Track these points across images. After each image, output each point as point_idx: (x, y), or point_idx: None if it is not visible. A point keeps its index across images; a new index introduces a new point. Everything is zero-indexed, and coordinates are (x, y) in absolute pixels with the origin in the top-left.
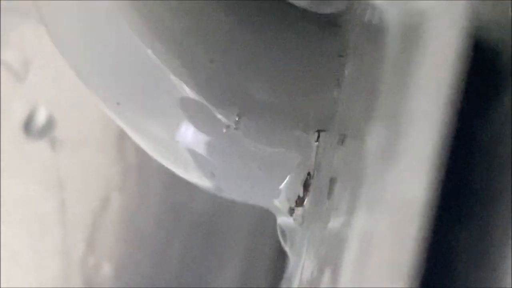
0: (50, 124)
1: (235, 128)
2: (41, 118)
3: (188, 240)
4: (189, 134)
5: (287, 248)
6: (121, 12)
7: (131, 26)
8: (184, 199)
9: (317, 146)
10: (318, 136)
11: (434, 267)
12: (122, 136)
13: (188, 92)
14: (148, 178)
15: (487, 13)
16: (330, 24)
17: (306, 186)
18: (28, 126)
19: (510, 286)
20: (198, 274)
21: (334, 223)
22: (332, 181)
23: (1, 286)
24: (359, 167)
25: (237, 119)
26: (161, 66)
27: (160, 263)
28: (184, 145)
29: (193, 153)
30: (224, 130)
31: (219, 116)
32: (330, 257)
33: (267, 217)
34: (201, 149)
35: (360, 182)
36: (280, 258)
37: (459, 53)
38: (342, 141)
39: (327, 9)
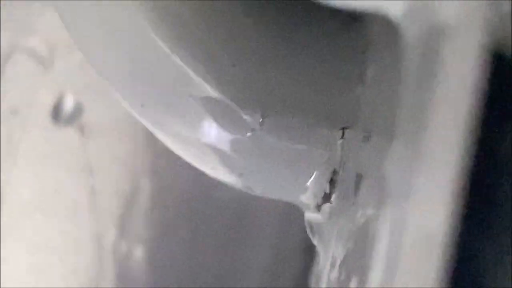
0: (78, 111)
1: (260, 128)
2: (69, 105)
3: (220, 225)
4: (214, 134)
5: (315, 242)
6: (145, 17)
7: (154, 31)
8: (214, 184)
9: (342, 143)
10: (343, 134)
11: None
12: None
13: (212, 93)
14: (177, 163)
15: (505, 28)
16: (352, 19)
17: (332, 182)
18: (56, 113)
19: None
20: (230, 259)
21: (362, 218)
22: (359, 177)
23: (34, 273)
24: (386, 166)
25: (261, 119)
26: (185, 69)
27: (191, 248)
28: (210, 145)
29: (219, 153)
30: (249, 130)
31: (244, 117)
32: (359, 251)
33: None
34: (227, 149)
35: (388, 180)
36: (311, 243)
37: (479, 68)
38: (367, 138)
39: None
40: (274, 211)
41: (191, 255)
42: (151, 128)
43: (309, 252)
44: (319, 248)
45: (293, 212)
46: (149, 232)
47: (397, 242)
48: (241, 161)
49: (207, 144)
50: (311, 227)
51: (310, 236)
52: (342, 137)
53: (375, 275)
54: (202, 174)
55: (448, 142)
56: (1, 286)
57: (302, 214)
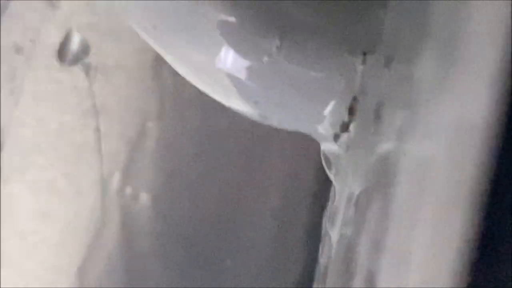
0: (84, 50)
1: (277, 53)
2: (74, 44)
3: (228, 169)
4: (229, 59)
5: (331, 176)
6: None
7: None
8: (223, 127)
9: (363, 70)
10: (364, 59)
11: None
12: (158, 62)
13: (227, 16)
14: (185, 106)
15: None
16: None
17: (351, 111)
18: (61, 52)
19: None
20: (238, 204)
21: (383, 149)
22: (379, 105)
23: (36, 216)
24: (412, 91)
25: (279, 43)
26: None
27: (198, 193)
28: (224, 71)
29: (234, 79)
30: (266, 56)
31: (261, 41)
32: (381, 183)
33: (309, 144)
34: (242, 75)
35: (414, 106)
36: (322, 186)
37: None
38: (389, 64)
39: None
40: (283, 154)
41: (198, 201)
42: (163, 53)
43: (321, 197)
44: (336, 182)
45: (305, 154)
46: (155, 177)
47: (421, 182)
48: (256, 88)
49: (222, 70)
50: (328, 161)
51: (326, 169)
52: (363, 62)
53: (398, 209)
54: (211, 117)
55: (485, 59)
56: (1, 229)
57: (314, 155)
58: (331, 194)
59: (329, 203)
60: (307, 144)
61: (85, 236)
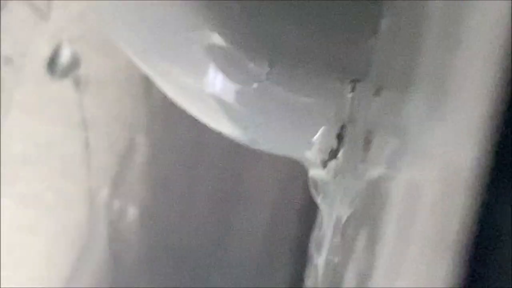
0: (74, 63)
1: (267, 78)
2: (65, 56)
3: (215, 183)
4: (218, 82)
5: (318, 200)
6: None
7: None
8: (212, 141)
9: (352, 97)
10: (353, 87)
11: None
12: (148, 76)
13: (217, 40)
14: (174, 120)
15: None
16: None
17: (340, 138)
18: (51, 65)
19: None
20: (225, 219)
21: (372, 175)
22: (369, 132)
23: (23, 227)
24: (401, 120)
25: (269, 69)
26: (190, 13)
27: (186, 207)
28: (213, 95)
29: (223, 103)
30: (256, 81)
31: (250, 66)
32: (369, 209)
33: (298, 164)
34: (231, 99)
35: (403, 135)
36: (310, 204)
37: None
38: (379, 92)
39: None
40: (272, 172)
41: (186, 215)
42: (153, 76)
43: (309, 215)
44: (323, 207)
45: (293, 173)
46: (143, 191)
47: (413, 205)
48: (246, 113)
49: (211, 95)
50: (316, 185)
51: (314, 195)
52: (353, 90)
53: (387, 237)
54: (198, 132)
55: (476, 93)
56: None
57: (303, 175)
58: (318, 220)
59: (316, 229)
60: (296, 164)
61: (73, 250)
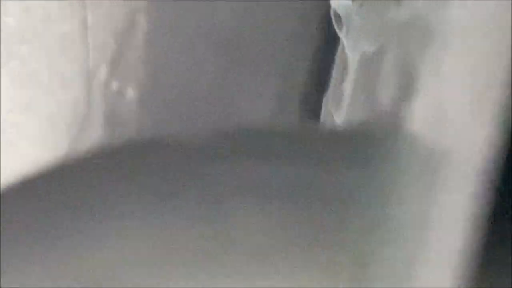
0: None
1: None
2: None
3: (218, 61)
4: None
5: (342, 35)
6: None
7: None
8: (214, 18)
9: None
10: None
11: None
12: None
13: None
14: None
15: None
16: None
17: None
18: None
19: None
20: (229, 98)
21: (400, 13)
22: None
23: (19, 108)
24: None
25: None
26: None
27: (187, 88)
28: None
29: None
30: None
31: None
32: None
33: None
34: None
35: None
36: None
37: None
38: None
39: None
40: (280, 37)
41: (187, 96)
42: None
43: (320, 77)
44: (347, 41)
45: (302, 40)
46: (142, 71)
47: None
48: None
49: None
50: (338, 20)
51: (337, 29)
52: None
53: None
54: (200, 11)
55: None
56: None
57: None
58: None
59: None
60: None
61: (69, 130)
